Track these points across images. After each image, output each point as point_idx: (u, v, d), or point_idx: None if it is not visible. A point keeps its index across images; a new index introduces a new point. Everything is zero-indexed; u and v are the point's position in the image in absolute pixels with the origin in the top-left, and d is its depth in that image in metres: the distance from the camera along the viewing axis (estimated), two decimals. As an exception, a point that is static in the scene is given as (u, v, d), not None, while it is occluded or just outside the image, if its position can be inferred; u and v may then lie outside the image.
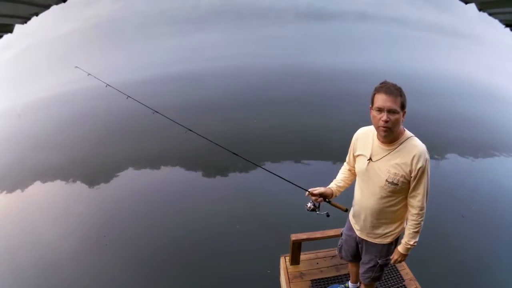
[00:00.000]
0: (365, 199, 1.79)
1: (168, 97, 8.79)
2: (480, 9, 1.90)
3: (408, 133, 1.65)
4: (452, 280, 3.39)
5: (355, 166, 1.84)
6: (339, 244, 2.24)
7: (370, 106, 1.61)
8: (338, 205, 1.89)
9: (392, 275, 2.63)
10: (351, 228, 2.01)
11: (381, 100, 1.53)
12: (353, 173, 1.95)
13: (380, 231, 1.82)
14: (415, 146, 1.59)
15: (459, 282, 3.41)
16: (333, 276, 2.66)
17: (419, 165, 1.56)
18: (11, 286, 3.70)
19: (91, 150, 6.70)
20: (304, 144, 6.20)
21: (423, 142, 1.62)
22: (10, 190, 5.79)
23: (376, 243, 1.87)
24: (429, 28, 15.30)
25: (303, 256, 2.82)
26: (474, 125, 7.21)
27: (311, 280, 2.65)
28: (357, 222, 1.91)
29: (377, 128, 1.60)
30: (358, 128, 1.85)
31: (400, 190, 1.65)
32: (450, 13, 16.32)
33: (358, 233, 1.93)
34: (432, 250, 3.47)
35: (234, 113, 7.56)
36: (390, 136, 1.60)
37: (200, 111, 7.66)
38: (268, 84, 9.18)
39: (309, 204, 1.90)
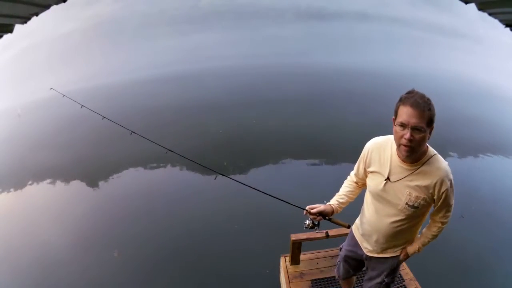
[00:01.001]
0: (379, 220, 1.65)
1: (168, 96, 8.80)
2: (480, 9, 1.89)
3: (431, 150, 1.48)
4: (452, 280, 3.39)
5: (368, 183, 1.67)
6: (338, 261, 2.15)
7: (393, 117, 1.43)
8: (339, 222, 1.82)
9: (392, 275, 2.63)
10: (356, 244, 1.88)
11: (405, 114, 1.34)
12: (359, 187, 1.83)
13: (393, 248, 1.73)
14: (438, 169, 1.44)
15: (459, 282, 3.40)
16: (333, 276, 2.65)
17: (443, 189, 1.44)
18: (11, 286, 3.70)
19: (90, 150, 6.70)
20: (304, 144, 6.19)
21: None
22: (10, 190, 5.79)
23: (387, 257, 1.77)
24: (430, 28, 15.27)
25: (303, 256, 2.82)
26: (474, 125, 7.19)
27: (311, 280, 2.65)
28: (367, 241, 1.79)
29: (398, 146, 1.43)
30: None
31: (420, 211, 1.54)
32: (450, 13, 16.30)
33: (366, 251, 1.81)
34: (432, 250, 3.44)
35: (234, 112, 7.56)
36: (413, 156, 1.43)
37: (199, 111, 7.66)
38: (268, 84, 9.17)
39: (307, 222, 1.82)
